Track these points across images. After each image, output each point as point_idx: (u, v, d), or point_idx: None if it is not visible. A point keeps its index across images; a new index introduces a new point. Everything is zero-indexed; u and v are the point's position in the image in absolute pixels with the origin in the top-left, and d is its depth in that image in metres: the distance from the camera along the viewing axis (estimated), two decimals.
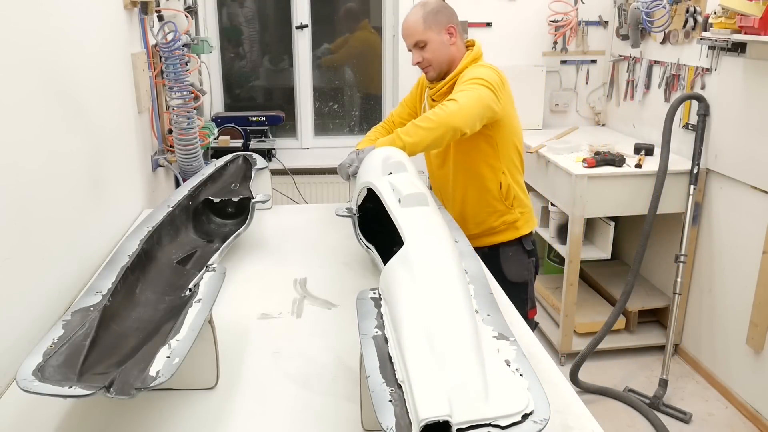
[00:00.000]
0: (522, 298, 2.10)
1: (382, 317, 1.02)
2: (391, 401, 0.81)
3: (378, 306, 1.05)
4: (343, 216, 1.58)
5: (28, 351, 0.93)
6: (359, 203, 1.56)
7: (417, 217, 1.26)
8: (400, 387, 0.85)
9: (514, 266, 2.11)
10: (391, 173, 1.50)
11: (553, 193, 3.18)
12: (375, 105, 4.04)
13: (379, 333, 0.97)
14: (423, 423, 0.75)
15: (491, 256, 2.07)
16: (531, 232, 2.15)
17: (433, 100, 2.04)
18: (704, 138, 2.89)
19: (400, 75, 3.69)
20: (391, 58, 3.81)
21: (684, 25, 2.97)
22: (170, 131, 2.30)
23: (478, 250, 1.80)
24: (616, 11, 3.60)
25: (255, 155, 2.03)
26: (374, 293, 1.09)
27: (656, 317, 3.35)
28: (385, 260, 1.16)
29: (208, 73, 3.44)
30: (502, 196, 2.05)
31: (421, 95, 2.17)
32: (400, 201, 1.33)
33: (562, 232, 3.16)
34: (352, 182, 1.81)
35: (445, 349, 0.86)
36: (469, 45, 2.05)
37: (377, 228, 1.53)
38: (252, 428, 1.00)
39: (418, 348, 0.88)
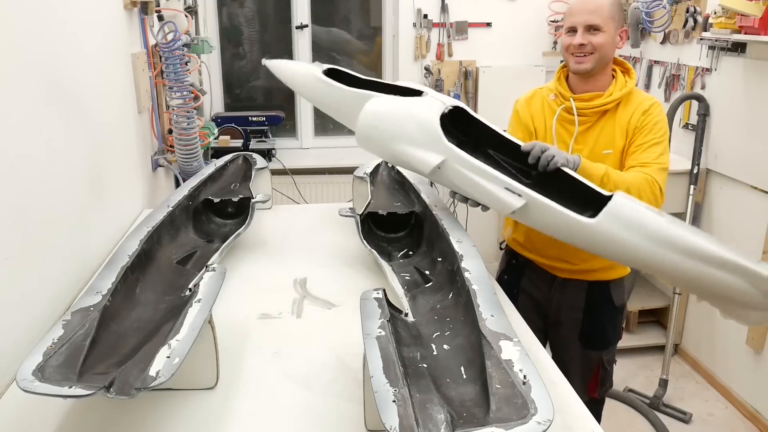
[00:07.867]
0: (619, 320, 1.98)
1: (385, 317, 1.02)
2: (394, 401, 0.81)
3: (382, 307, 1.05)
4: (346, 216, 1.58)
5: (28, 351, 0.93)
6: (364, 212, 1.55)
7: None
8: (403, 387, 0.84)
9: (619, 290, 1.92)
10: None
11: None
12: None
13: (383, 333, 0.97)
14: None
15: (597, 287, 1.87)
16: None
17: (575, 115, 1.75)
18: (704, 138, 2.89)
19: (400, 75, 3.69)
20: (391, 58, 3.81)
21: (684, 25, 2.97)
22: (170, 131, 2.30)
23: (578, 282, 1.84)
24: None
25: (255, 155, 2.03)
26: (378, 293, 1.09)
27: (656, 317, 3.34)
28: (389, 261, 1.16)
29: (208, 73, 3.44)
30: None
31: (532, 116, 1.85)
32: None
33: None
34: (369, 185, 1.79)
35: None
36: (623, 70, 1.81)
37: (380, 229, 1.53)
38: (252, 428, 1.00)
39: None
